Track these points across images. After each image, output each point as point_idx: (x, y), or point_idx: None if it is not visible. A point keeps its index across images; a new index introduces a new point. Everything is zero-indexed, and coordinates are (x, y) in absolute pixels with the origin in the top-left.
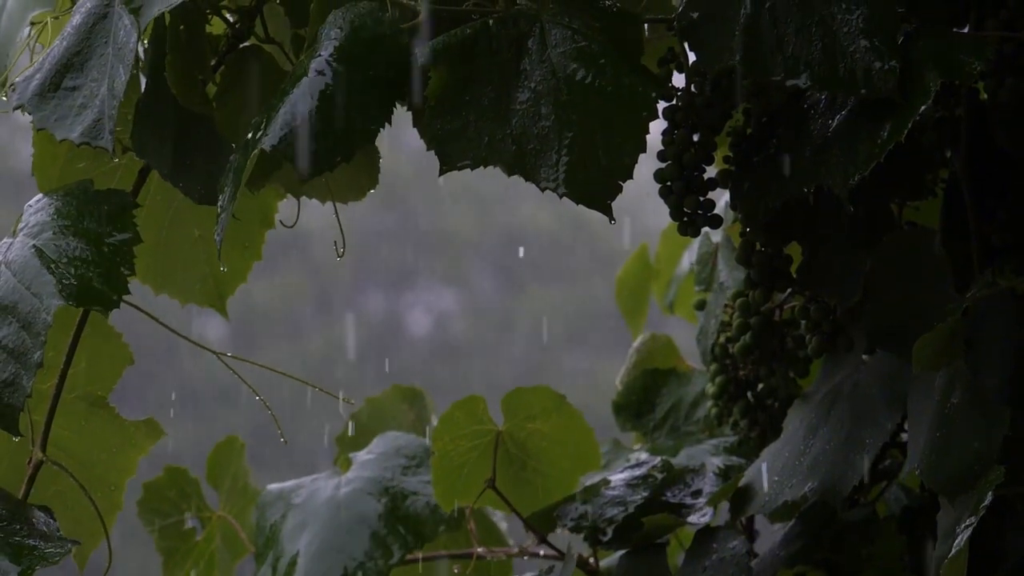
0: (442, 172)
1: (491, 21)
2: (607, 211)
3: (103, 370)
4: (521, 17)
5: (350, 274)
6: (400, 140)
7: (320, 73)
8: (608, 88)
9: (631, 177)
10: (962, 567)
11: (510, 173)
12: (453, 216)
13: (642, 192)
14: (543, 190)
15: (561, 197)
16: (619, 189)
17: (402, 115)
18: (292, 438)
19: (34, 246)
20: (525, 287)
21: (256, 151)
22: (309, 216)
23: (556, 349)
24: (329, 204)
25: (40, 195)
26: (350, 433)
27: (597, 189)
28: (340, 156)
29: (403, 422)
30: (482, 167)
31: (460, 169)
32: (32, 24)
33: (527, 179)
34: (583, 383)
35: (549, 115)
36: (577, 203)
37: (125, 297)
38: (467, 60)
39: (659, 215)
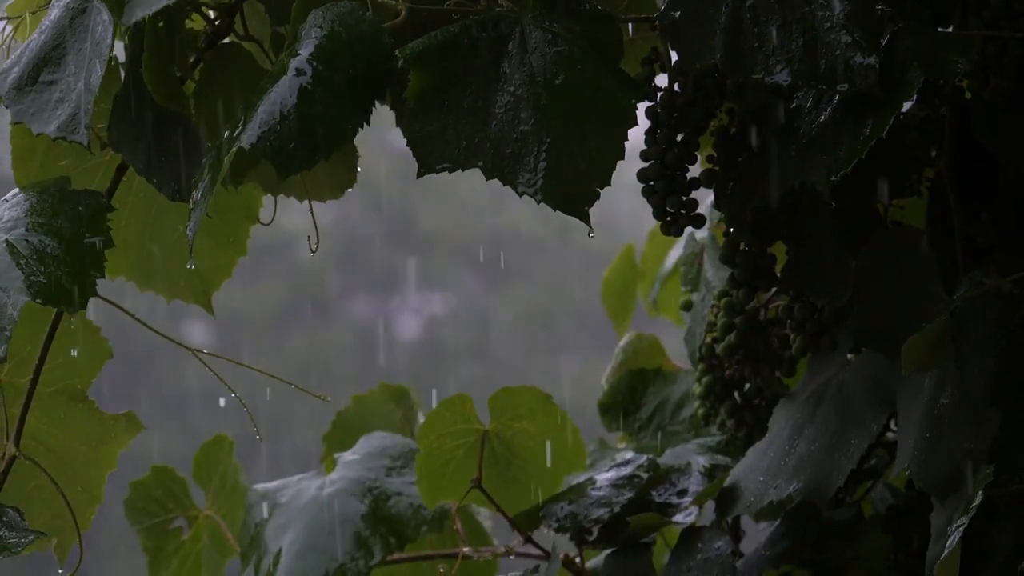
0: (420, 174)
1: (471, 23)
2: (584, 217)
3: (82, 364)
4: (502, 19)
5: (337, 277)
6: (386, 142)
7: (300, 72)
8: (587, 94)
9: (609, 184)
10: (955, 568)
11: (488, 177)
12: (439, 218)
13: (629, 192)
14: (520, 195)
15: (539, 203)
16: (596, 195)
17: (388, 116)
18: (281, 439)
19: (6, 241)
20: (511, 288)
21: (234, 148)
22: (298, 219)
23: (542, 350)
24: (316, 207)
25: (16, 190)
26: (337, 431)
27: (575, 195)
28: (318, 155)
29: (390, 421)
30: (460, 170)
31: (438, 172)
32: (8, 18)
33: (504, 183)
34: (569, 383)
35: (528, 119)
36: (554, 209)
37: (112, 299)
38: (447, 62)
39: (646, 215)
